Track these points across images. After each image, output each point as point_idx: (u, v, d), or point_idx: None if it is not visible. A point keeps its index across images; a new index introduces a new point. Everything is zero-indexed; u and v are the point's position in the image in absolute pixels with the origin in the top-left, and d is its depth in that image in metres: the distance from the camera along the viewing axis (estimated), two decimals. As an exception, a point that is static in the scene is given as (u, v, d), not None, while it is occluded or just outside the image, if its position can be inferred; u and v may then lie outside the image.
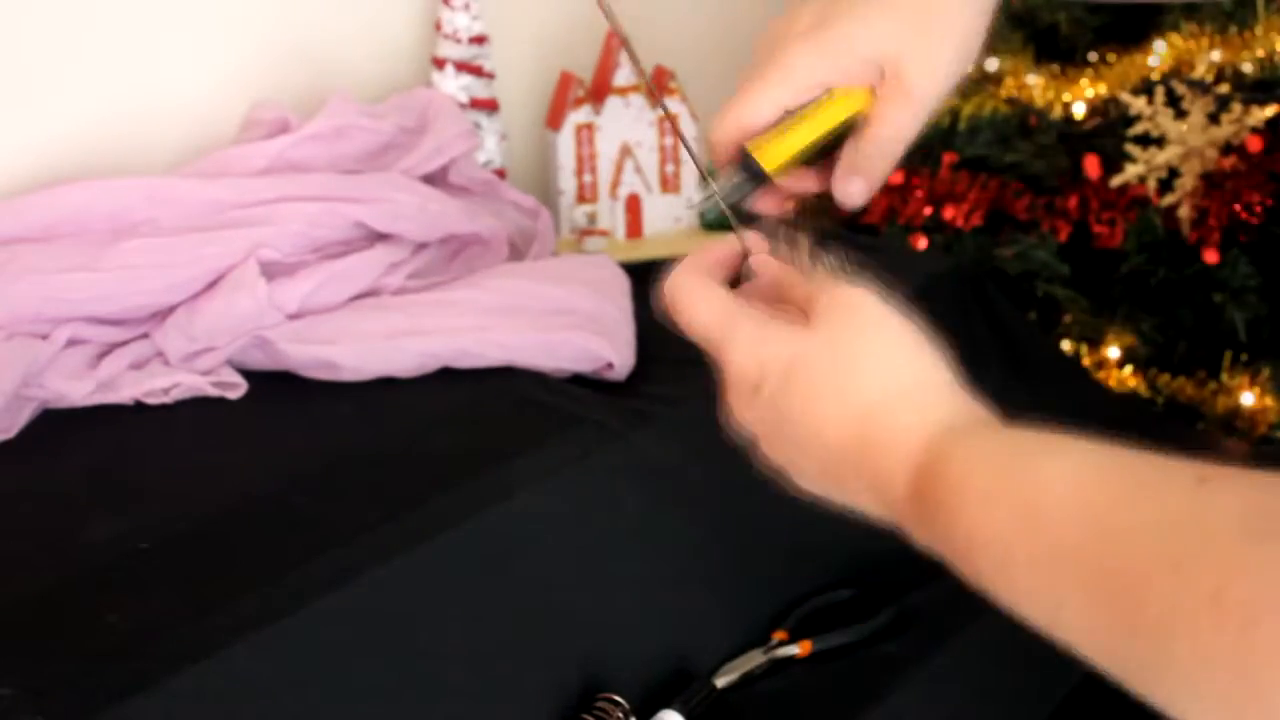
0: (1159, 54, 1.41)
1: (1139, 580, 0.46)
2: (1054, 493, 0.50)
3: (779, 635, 0.92)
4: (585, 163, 1.31)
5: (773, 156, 0.70)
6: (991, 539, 0.52)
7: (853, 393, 0.59)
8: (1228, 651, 0.43)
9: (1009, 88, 1.48)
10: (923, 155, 1.52)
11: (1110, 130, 1.40)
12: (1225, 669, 0.43)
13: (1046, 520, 0.50)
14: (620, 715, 0.82)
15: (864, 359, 0.59)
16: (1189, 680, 0.45)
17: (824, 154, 0.72)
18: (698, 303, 0.64)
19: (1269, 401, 1.34)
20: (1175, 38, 1.40)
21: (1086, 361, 1.41)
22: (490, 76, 1.27)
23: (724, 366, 0.63)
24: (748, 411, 0.63)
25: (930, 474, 0.55)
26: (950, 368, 0.60)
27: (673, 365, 1.04)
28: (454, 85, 1.25)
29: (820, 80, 0.69)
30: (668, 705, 0.85)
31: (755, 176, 0.70)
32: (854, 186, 0.70)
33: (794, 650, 0.91)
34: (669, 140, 1.33)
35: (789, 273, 0.66)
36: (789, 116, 0.71)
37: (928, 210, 1.47)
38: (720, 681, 0.89)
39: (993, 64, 1.50)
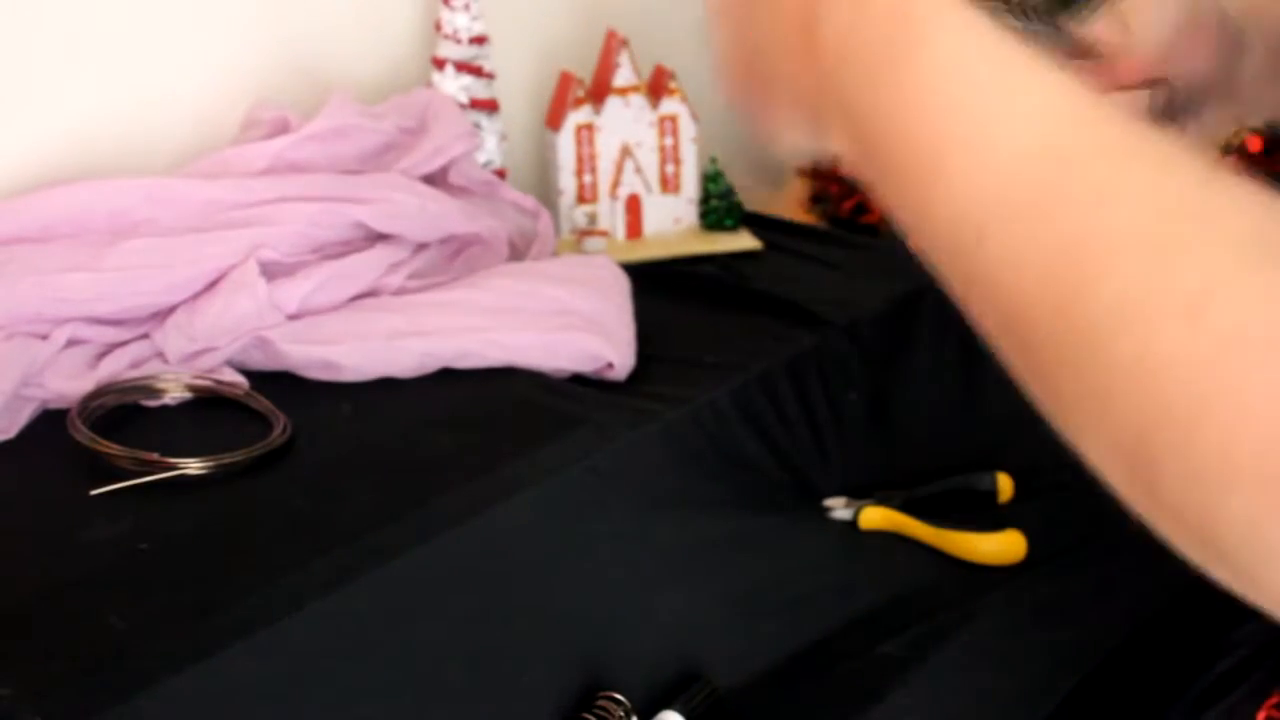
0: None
1: (1103, 253, 0.38)
2: (1021, 121, 0.42)
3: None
4: (585, 163, 1.31)
5: None
6: (933, 155, 0.43)
7: None
8: (1192, 371, 0.36)
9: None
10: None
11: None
12: (1182, 383, 0.36)
13: (1004, 152, 0.41)
14: (621, 714, 0.82)
15: None
16: (1116, 384, 0.38)
17: None
18: None
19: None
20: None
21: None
22: (490, 77, 1.27)
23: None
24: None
25: (880, 58, 0.46)
26: None
27: (673, 365, 1.05)
28: (454, 85, 1.25)
29: None
30: (668, 706, 0.85)
31: None
32: None
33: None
34: (669, 140, 1.33)
35: None
36: None
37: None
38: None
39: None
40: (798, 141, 0.53)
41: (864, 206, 1.54)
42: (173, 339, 0.98)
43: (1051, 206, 0.40)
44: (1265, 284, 0.36)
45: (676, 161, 1.33)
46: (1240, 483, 0.35)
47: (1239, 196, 0.38)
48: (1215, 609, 0.94)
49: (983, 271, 0.42)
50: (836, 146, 0.49)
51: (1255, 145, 1.31)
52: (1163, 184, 0.39)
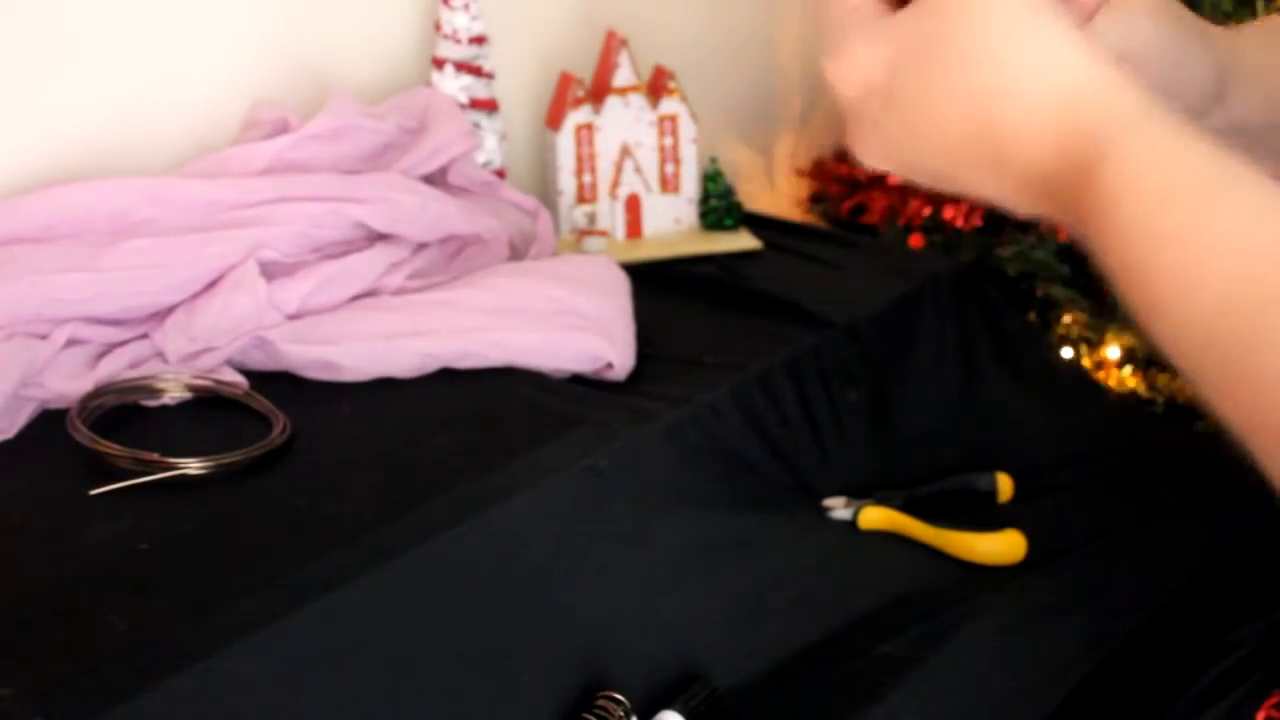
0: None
1: None
2: (1224, 252, 0.42)
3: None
4: (585, 163, 1.31)
5: None
6: (1143, 278, 0.44)
7: (970, 83, 0.50)
8: None
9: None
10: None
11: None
12: None
13: (1209, 282, 0.42)
14: (621, 714, 0.82)
15: (979, 38, 0.50)
16: None
17: None
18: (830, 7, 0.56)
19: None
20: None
21: (1086, 362, 1.41)
22: (490, 76, 1.27)
23: (837, 57, 0.55)
24: (867, 137, 0.55)
25: (1079, 179, 0.47)
26: (1081, 34, 0.49)
27: (673, 365, 1.05)
28: (454, 85, 1.25)
29: None
30: (668, 706, 0.85)
31: None
32: None
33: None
34: (668, 140, 1.33)
35: None
36: None
37: (927, 210, 1.47)
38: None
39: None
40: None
41: (864, 206, 1.54)
42: (172, 339, 0.98)
43: (1255, 351, 0.41)
44: None
45: (676, 161, 1.33)
46: None
47: None
48: (1215, 609, 0.94)
49: (1206, 395, 0.44)
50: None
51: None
52: None
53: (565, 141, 1.29)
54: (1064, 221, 0.49)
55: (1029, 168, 0.49)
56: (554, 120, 1.30)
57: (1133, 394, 1.38)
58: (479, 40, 1.25)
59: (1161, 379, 1.37)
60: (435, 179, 1.17)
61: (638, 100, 1.31)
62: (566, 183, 1.31)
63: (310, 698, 0.73)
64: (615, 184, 1.31)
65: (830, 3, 0.55)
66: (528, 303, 1.04)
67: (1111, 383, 1.38)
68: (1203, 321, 0.42)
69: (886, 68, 0.52)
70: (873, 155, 0.55)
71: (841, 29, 0.54)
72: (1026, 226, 1.43)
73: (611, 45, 1.30)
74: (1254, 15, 1.38)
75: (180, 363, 0.97)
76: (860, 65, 0.53)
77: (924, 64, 0.51)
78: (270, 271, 1.01)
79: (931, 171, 0.53)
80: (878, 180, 1.53)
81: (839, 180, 1.59)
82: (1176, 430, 1.24)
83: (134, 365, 0.97)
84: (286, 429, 0.90)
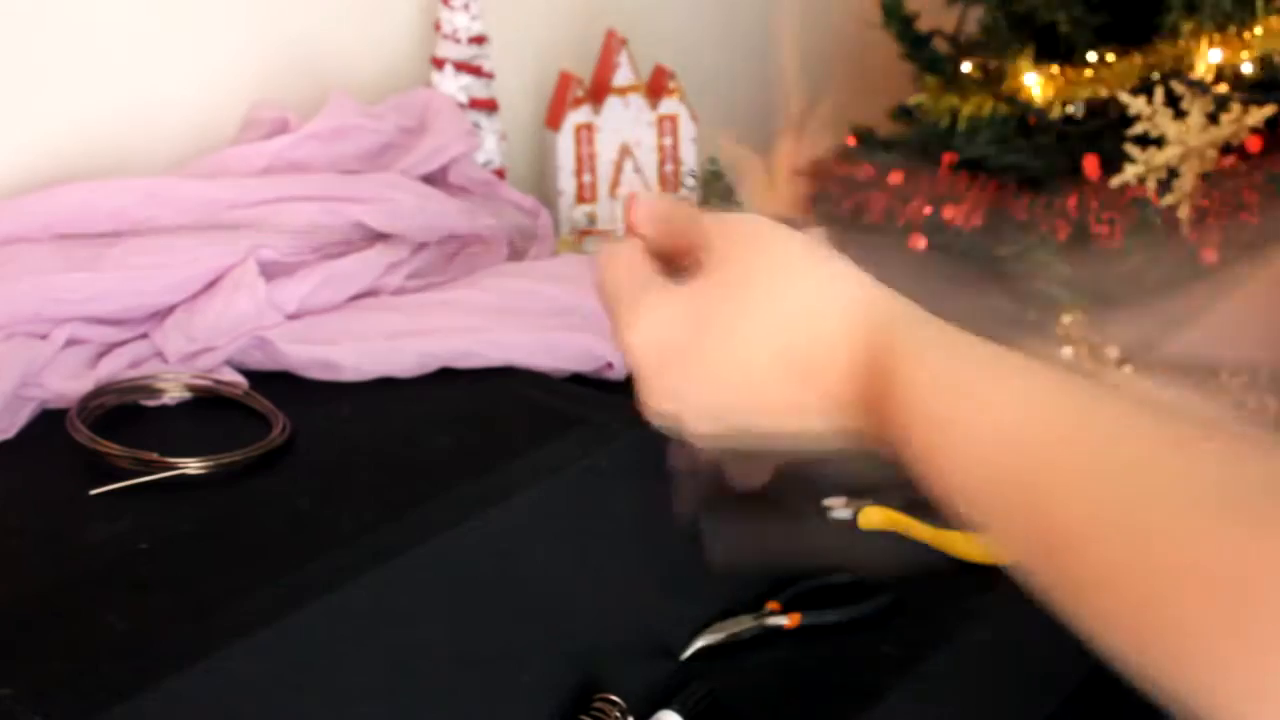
0: (1158, 54, 1.41)
1: (1074, 534, 0.45)
2: (1001, 426, 0.48)
3: (772, 605, 0.93)
4: (585, 163, 1.31)
5: None
6: (938, 460, 0.50)
7: (769, 322, 0.55)
8: (1151, 616, 0.43)
9: (1009, 88, 1.48)
10: (922, 155, 1.52)
11: (1110, 130, 1.40)
12: (1147, 632, 0.44)
13: (989, 454, 0.48)
14: (618, 715, 0.82)
15: (770, 283, 0.55)
16: (1109, 633, 0.46)
17: None
18: (616, 264, 0.60)
19: (1270, 401, 1.34)
20: (1175, 38, 1.40)
21: (1087, 362, 1.41)
22: (490, 76, 1.27)
23: (625, 350, 0.59)
24: (670, 400, 0.58)
25: (878, 385, 0.52)
26: (857, 270, 0.56)
27: (672, 365, 1.04)
28: (454, 85, 1.25)
29: None
30: (666, 705, 0.85)
31: None
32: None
33: (783, 621, 0.92)
34: (668, 140, 1.33)
35: (681, 216, 0.60)
36: None
37: (927, 210, 1.47)
38: (705, 640, 0.89)
39: (992, 64, 1.50)
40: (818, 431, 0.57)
41: (864, 206, 1.54)
42: (172, 339, 0.98)
43: (1030, 498, 0.47)
44: (1222, 533, 0.41)
45: (676, 161, 1.33)
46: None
47: (1201, 452, 0.44)
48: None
49: (1001, 546, 0.50)
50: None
51: (1255, 145, 1.31)
52: (1121, 457, 0.45)
53: (565, 141, 1.29)
54: (866, 430, 0.54)
55: (834, 384, 0.54)
56: (554, 120, 1.30)
57: (1132, 394, 1.37)
58: (479, 40, 1.25)
59: (1161, 379, 1.37)
60: (435, 179, 1.17)
61: (637, 100, 1.31)
62: (566, 183, 1.31)
63: (310, 698, 0.73)
64: (615, 184, 1.31)
65: (608, 273, 0.59)
66: (528, 303, 1.04)
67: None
68: (988, 488, 0.48)
69: (685, 324, 0.56)
70: (666, 404, 0.58)
71: (623, 296, 0.58)
72: (1027, 226, 1.43)
73: (611, 45, 1.30)
74: (1254, 15, 1.38)
75: (180, 363, 0.97)
76: (656, 327, 0.57)
77: (726, 310, 0.55)
78: (270, 271, 1.01)
79: (738, 411, 0.57)
80: (878, 180, 1.53)
81: (839, 180, 1.59)
82: (1176, 430, 1.24)
83: (134, 365, 0.97)
84: (286, 429, 0.90)
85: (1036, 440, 0.47)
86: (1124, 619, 0.44)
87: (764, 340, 0.55)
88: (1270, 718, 0.40)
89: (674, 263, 0.60)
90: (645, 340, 0.57)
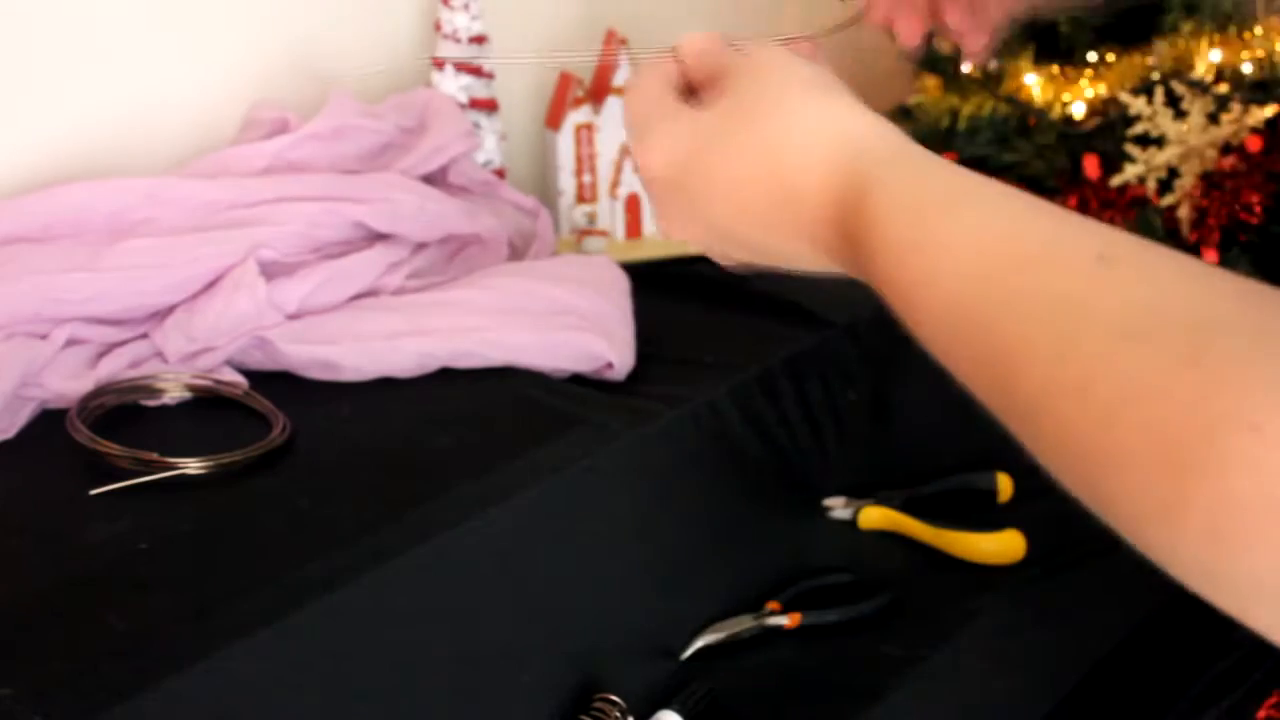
0: (1159, 54, 1.41)
1: (1018, 358, 0.47)
2: (954, 256, 0.51)
3: (772, 605, 0.93)
4: (585, 163, 1.31)
5: None
6: (902, 285, 0.53)
7: (762, 145, 0.59)
8: (1086, 443, 0.44)
9: (1009, 88, 1.48)
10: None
11: (1110, 130, 1.40)
12: (1083, 460, 0.45)
13: (945, 279, 0.50)
14: (618, 715, 0.82)
15: (768, 109, 0.59)
16: (1052, 459, 0.47)
17: None
18: (636, 90, 0.65)
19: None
20: (1175, 38, 1.40)
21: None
22: (490, 76, 1.27)
23: (641, 170, 0.64)
24: (676, 213, 0.63)
25: (852, 211, 0.55)
26: (850, 99, 0.59)
27: (673, 365, 1.04)
28: (454, 85, 1.25)
29: None
30: (666, 705, 0.85)
31: None
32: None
33: (784, 621, 0.92)
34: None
35: (712, 49, 0.66)
36: None
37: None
38: (705, 640, 0.89)
39: (993, 64, 1.50)
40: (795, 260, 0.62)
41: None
42: (172, 339, 0.98)
43: (978, 322, 0.49)
44: (1137, 356, 0.43)
45: (676, 161, 1.33)
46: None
47: (1119, 280, 0.46)
48: (1215, 609, 0.94)
49: (960, 379, 0.52)
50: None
51: (1255, 145, 1.31)
52: (1058, 281, 0.47)
53: (565, 141, 1.29)
54: (846, 259, 0.56)
55: (815, 208, 0.57)
56: (554, 120, 1.30)
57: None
58: (479, 40, 1.25)
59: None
60: (435, 179, 1.17)
61: (637, 100, 1.31)
62: (566, 183, 1.31)
63: (310, 698, 0.73)
64: (615, 184, 1.31)
65: (633, 98, 0.65)
66: (527, 303, 1.04)
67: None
68: (944, 314, 0.50)
69: (688, 143, 0.60)
70: (678, 224, 0.63)
71: (645, 118, 0.63)
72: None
73: (611, 45, 1.30)
74: (1254, 15, 1.39)
75: (180, 363, 0.97)
76: (665, 144, 0.61)
77: (722, 133, 0.59)
78: (270, 271, 1.01)
79: (731, 231, 0.61)
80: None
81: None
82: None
83: (134, 365, 0.97)
84: (286, 429, 0.90)
85: (985, 268, 0.49)
86: (1065, 447, 0.46)
87: (754, 160, 0.58)
88: (1196, 550, 0.42)
89: (701, 92, 0.64)
90: (655, 159, 0.62)
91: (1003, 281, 0.49)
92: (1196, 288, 0.45)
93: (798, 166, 0.57)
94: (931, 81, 1.54)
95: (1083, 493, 0.46)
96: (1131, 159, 1.36)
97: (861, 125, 0.57)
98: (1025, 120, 1.46)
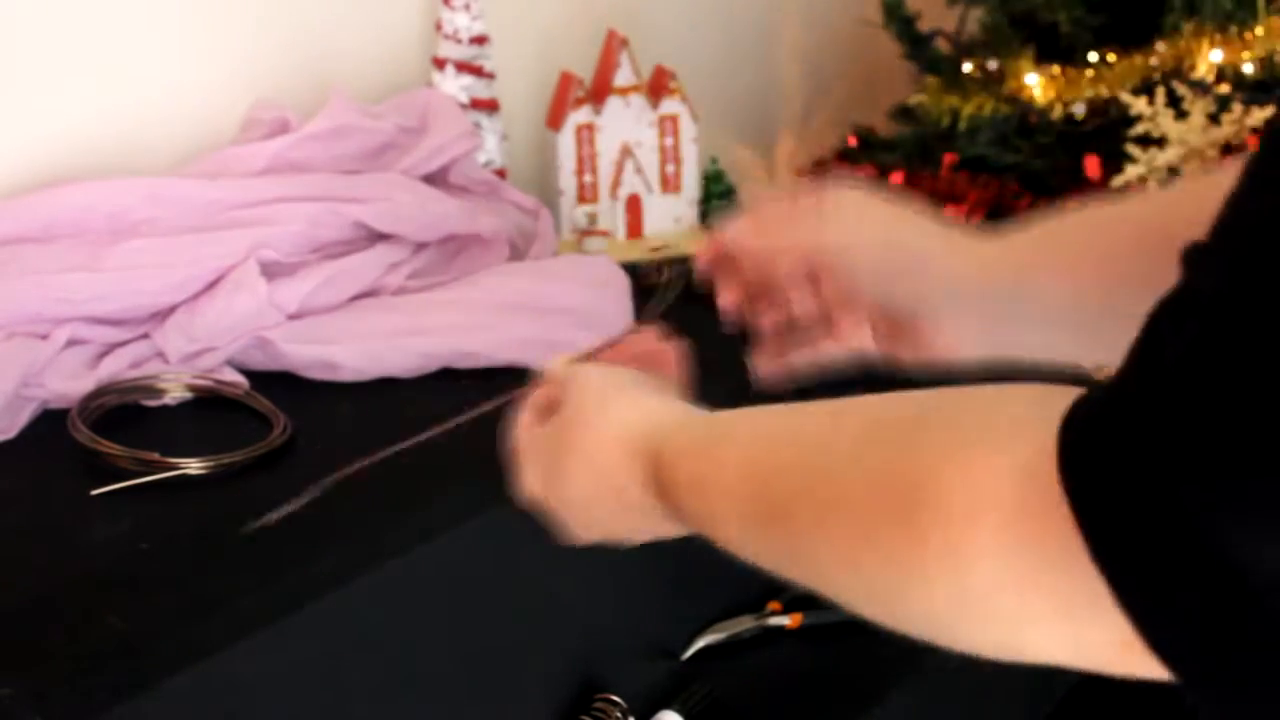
0: (1160, 54, 1.41)
1: (788, 504, 0.55)
2: (729, 458, 0.60)
3: (773, 606, 0.93)
4: (585, 163, 1.31)
5: None
6: (702, 506, 0.61)
7: (584, 457, 0.67)
8: (837, 520, 0.52)
9: (1009, 88, 1.48)
10: (923, 155, 1.52)
11: (1110, 130, 1.40)
12: (844, 542, 0.52)
13: (726, 481, 0.59)
14: (618, 715, 0.82)
15: (585, 421, 0.68)
16: (828, 569, 0.55)
17: None
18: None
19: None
20: (1176, 38, 1.40)
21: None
22: (490, 76, 1.27)
23: (523, 487, 0.72)
24: (547, 508, 0.71)
25: (655, 472, 0.64)
26: (663, 391, 0.70)
27: (673, 365, 1.04)
28: (454, 85, 1.25)
29: None
30: (666, 705, 0.85)
31: None
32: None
33: (785, 621, 0.92)
34: (669, 140, 1.33)
35: (560, 372, 0.74)
36: None
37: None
38: (706, 640, 0.89)
39: (993, 64, 1.50)
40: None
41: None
42: (173, 339, 0.98)
43: (757, 492, 0.58)
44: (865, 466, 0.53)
45: (677, 161, 1.33)
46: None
47: (851, 418, 0.58)
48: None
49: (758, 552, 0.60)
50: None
51: (1256, 145, 1.31)
52: (804, 441, 0.58)
53: (566, 141, 1.29)
54: (674, 519, 0.64)
55: (637, 491, 0.64)
56: (555, 120, 1.30)
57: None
58: (480, 40, 1.25)
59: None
60: (436, 179, 1.17)
61: (638, 100, 1.31)
62: (567, 183, 1.31)
63: (310, 698, 0.73)
64: (616, 184, 1.31)
65: (513, 431, 0.73)
66: (528, 302, 1.04)
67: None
68: (734, 508, 0.59)
69: (542, 472, 0.70)
70: (576, 534, 0.70)
71: (519, 447, 0.72)
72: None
73: (612, 45, 1.30)
74: (1255, 16, 1.38)
75: (181, 363, 0.97)
76: (530, 469, 0.71)
77: (556, 456, 0.68)
78: (270, 271, 1.01)
79: (599, 530, 0.70)
80: (878, 180, 1.53)
81: (839, 180, 1.59)
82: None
83: (134, 365, 0.97)
84: (286, 429, 0.90)
85: (757, 456, 0.59)
86: (821, 546, 0.54)
87: (582, 470, 0.67)
88: (932, 598, 0.49)
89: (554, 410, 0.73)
90: (529, 482, 0.71)
91: (765, 460, 0.58)
92: (919, 397, 0.55)
93: (614, 465, 0.65)
94: (932, 81, 1.54)
95: (842, 578, 0.55)
96: (1132, 159, 1.36)
97: (656, 412, 0.66)
98: (1026, 120, 1.46)
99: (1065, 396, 0.45)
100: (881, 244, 0.74)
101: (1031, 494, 0.43)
